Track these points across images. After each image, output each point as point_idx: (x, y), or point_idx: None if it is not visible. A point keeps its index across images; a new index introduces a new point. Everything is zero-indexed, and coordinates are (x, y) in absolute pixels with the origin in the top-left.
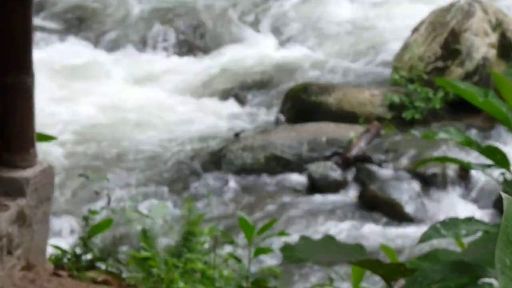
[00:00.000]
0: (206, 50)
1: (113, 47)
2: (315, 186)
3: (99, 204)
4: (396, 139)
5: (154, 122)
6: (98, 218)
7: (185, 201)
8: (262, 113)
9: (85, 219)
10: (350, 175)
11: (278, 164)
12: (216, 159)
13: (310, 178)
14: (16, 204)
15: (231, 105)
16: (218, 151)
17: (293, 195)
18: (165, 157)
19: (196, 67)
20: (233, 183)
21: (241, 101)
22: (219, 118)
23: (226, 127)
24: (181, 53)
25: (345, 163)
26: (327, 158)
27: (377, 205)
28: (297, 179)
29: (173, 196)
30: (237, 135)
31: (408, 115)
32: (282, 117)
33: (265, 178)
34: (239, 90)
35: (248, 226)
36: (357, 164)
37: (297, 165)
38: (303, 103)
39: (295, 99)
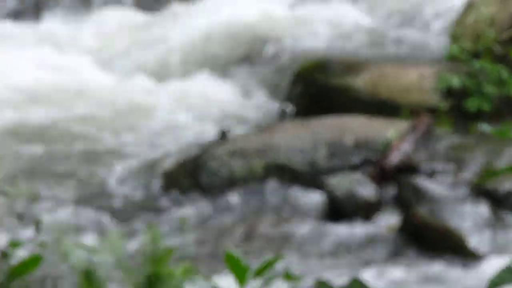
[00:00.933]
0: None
1: None
2: (337, 208)
3: (24, 233)
4: (455, 140)
5: (100, 113)
6: (22, 254)
7: (148, 229)
8: (260, 101)
9: (3, 254)
10: (388, 192)
11: (282, 176)
12: (192, 169)
13: (330, 197)
14: None
15: (215, 88)
16: (195, 158)
17: (305, 222)
18: (117, 164)
19: (161, 29)
20: (217, 204)
21: (229, 83)
22: (197, 107)
23: (207, 122)
24: (143, 3)
25: (381, 176)
26: (355, 168)
27: (427, 237)
28: (311, 198)
29: (129, 222)
30: (223, 134)
31: (472, 105)
32: (289, 108)
33: (264, 197)
34: (226, 65)
35: (239, 266)
36: (399, 177)
37: (311, 178)
38: (320, 88)
39: (309, 82)
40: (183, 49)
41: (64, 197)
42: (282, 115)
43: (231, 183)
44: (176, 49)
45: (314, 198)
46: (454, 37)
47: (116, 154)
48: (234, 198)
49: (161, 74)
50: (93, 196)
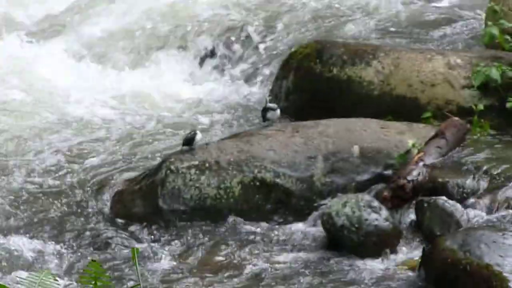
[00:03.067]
0: None
1: None
2: (339, 241)
3: None
4: (494, 149)
5: (34, 109)
6: None
7: (89, 266)
8: (238, 97)
9: None
10: (406, 219)
11: (267, 198)
12: (147, 189)
13: (330, 226)
14: None
15: (179, 79)
16: (151, 174)
17: (298, 259)
18: (51, 182)
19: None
20: (179, 235)
21: (198, 71)
22: (155, 104)
23: (168, 124)
24: None
25: (398, 198)
26: (362, 188)
27: (457, 278)
28: (305, 228)
29: (69, 256)
30: (188, 140)
31: None
32: (276, 107)
33: (243, 226)
34: (194, 46)
35: None
36: (420, 200)
37: (305, 201)
38: (316, 81)
39: (302, 73)
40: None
41: None
42: (267, 117)
43: (199, 208)
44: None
45: (309, 228)
46: (492, 16)
47: (49, 171)
48: (201, 228)
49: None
50: (29, 225)
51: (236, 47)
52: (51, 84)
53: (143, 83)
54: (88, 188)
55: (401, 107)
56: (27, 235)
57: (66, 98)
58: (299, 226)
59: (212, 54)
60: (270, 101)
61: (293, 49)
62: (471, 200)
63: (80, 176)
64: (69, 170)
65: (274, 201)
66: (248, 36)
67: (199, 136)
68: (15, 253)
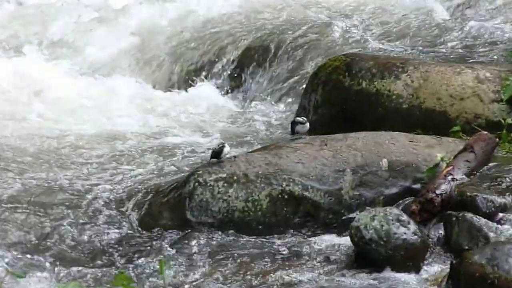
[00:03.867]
0: None
1: None
2: (367, 254)
3: None
4: None
5: (51, 126)
6: None
7: (117, 279)
8: (266, 112)
9: None
10: (434, 233)
11: (295, 211)
12: (175, 202)
13: (358, 239)
14: None
15: (205, 95)
16: (179, 187)
17: (326, 272)
18: (76, 198)
19: (139, 12)
20: (207, 247)
21: (224, 87)
22: (181, 120)
23: (195, 138)
24: None
25: (426, 211)
26: (391, 201)
27: None
28: (333, 241)
29: (92, 270)
30: (216, 153)
31: None
32: (304, 121)
33: (271, 239)
34: (221, 63)
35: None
36: (448, 214)
37: (333, 214)
38: (345, 94)
39: (331, 86)
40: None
41: (7, 240)
42: (295, 131)
43: (227, 221)
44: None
45: (337, 241)
46: None
47: (78, 183)
48: (229, 241)
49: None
50: (59, 238)
51: (263, 63)
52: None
53: (170, 98)
54: (115, 201)
55: (430, 121)
56: (58, 247)
57: (83, 111)
58: (327, 239)
59: (237, 69)
60: (299, 115)
61: (321, 63)
62: (500, 214)
63: (107, 188)
64: (97, 183)
65: (302, 214)
66: (275, 51)
67: (227, 148)
68: (47, 266)
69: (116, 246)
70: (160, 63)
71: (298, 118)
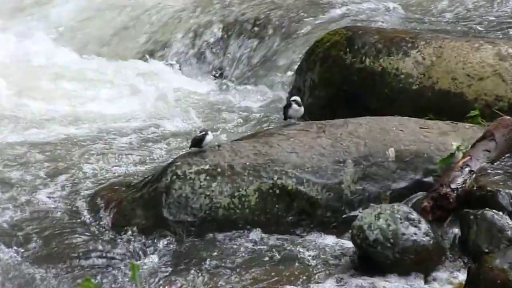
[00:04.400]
0: None
1: None
2: (371, 258)
3: None
4: None
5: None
6: None
7: (83, 285)
8: (254, 94)
9: None
10: (449, 234)
11: (288, 208)
12: (150, 198)
13: (361, 241)
14: None
15: (183, 75)
16: (154, 180)
17: (324, 278)
18: (35, 194)
19: None
20: (187, 250)
21: (204, 65)
22: (156, 102)
23: (173, 124)
24: None
25: (440, 209)
26: (399, 198)
27: None
28: (332, 242)
29: (55, 276)
30: (198, 141)
31: None
32: (297, 105)
33: (260, 241)
34: (199, 39)
35: None
36: (465, 212)
37: (332, 212)
38: (346, 73)
39: (330, 63)
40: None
41: None
42: (288, 115)
43: (210, 220)
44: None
45: (337, 243)
46: None
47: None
48: (212, 243)
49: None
50: (21, 240)
51: (250, 39)
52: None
53: (141, 78)
54: (82, 197)
55: (444, 104)
56: (19, 251)
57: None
58: (325, 240)
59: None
60: (293, 97)
61: (319, 37)
62: None
63: (74, 183)
64: (61, 176)
65: (296, 211)
66: (264, 24)
67: (210, 136)
68: (9, 271)
69: (83, 248)
70: (127, 37)
71: (292, 101)
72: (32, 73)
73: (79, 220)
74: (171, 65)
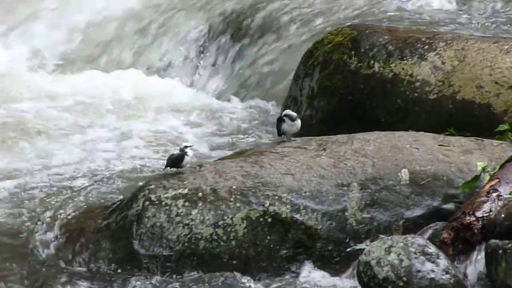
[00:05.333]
0: None
1: None
2: None
3: None
4: None
5: None
6: None
7: None
8: (243, 105)
9: None
10: (473, 271)
11: (282, 239)
12: (118, 227)
13: (368, 279)
14: None
15: (163, 84)
16: (123, 207)
17: None
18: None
19: None
20: None
21: (188, 73)
22: (128, 114)
23: (147, 140)
24: None
25: (463, 241)
26: (414, 227)
27: None
28: (334, 281)
29: None
30: (175, 160)
31: None
32: (295, 116)
33: (249, 280)
34: (185, 42)
35: None
36: (493, 245)
37: (334, 245)
38: (351, 80)
39: (331, 69)
40: None
41: None
42: (283, 129)
43: (188, 255)
44: None
45: (339, 282)
46: None
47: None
48: (191, 281)
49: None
50: None
51: (243, 39)
52: None
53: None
54: (37, 224)
55: (467, 117)
56: None
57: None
58: (325, 279)
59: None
60: (287, 108)
61: (318, 37)
62: None
63: (27, 207)
64: (13, 197)
65: (292, 244)
66: (258, 24)
67: (190, 154)
68: None
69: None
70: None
71: (287, 113)
72: None
73: (30, 252)
74: (151, 70)
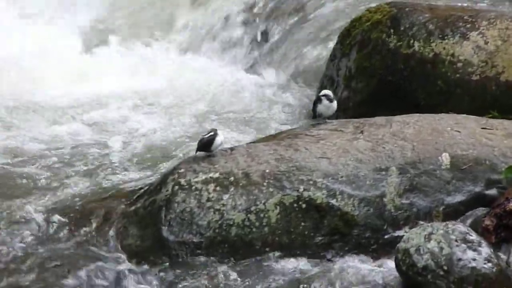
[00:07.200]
0: None
1: None
2: None
3: None
4: None
5: None
6: None
7: None
8: (275, 85)
9: None
10: None
11: (317, 226)
12: (146, 213)
13: (407, 267)
14: None
15: (189, 60)
16: (151, 191)
17: None
18: (20, 198)
19: None
20: (191, 279)
21: (216, 50)
22: (154, 93)
23: (175, 122)
24: None
25: (506, 228)
26: (454, 214)
27: None
28: (371, 269)
29: None
30: (206, 144)
31: None
32: (331, 98)
33: (283, 267)
34: (211, 18)
35: None
36: None
37: (372, 232)
38: (390, 60)
39: (370, 49)
40: None
41: None
42: (319, 110)
43: (221, 240)
44: None
45: (377, 269)
46: None
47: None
48: (223, 269)
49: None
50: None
51: (279, 16)
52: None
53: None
54: (65, 210)
55: (511, 99)
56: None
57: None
58: (362, 266)
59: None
60: (324, 89)
61: (356, 15)
62: None
63: (56, 193)
64: (43, 184)
65: (327, 231)
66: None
67: (220, 137)
68: None
69: (60, 275)
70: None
71: (325, 93)
72: None
73: (58, 239)
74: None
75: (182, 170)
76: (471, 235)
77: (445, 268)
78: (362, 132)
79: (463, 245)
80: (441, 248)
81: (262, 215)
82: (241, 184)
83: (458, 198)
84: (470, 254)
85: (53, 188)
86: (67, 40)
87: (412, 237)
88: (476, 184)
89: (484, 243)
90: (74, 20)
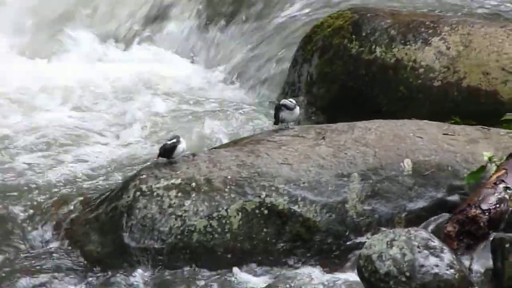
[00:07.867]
0: None
1: None
2: None
3: None
4: None
5: None
6: None
7: None
8: (238, 90)
9: None
10: (479, 266)
11: (279, 232)
12: (107, 219)
13: (369, 274)
14: None
15: (151, 61)
16: (113, 197)
17: None
18: None
19: None
20: (152, 285)
21: (178, 52)
22: (115, 98)
23: (136, 128)
24: None
25: (468, 235)
26: (417, 220)
27: None
28: (333, 276)
29: None
30: (167, 151)
31: None
32: (293, 104)
33: (244, 273)
34: (174, 18)
35: None
36: (499, 238)
37: (334, 238)
38: (351, 66)
39: (331, 55)
40: None
41: None
42: (281, 117)
43: (182, 246)
44: None
45: (338, 276)
46: None
47: None
48: (184, 275)
49: None
50: None
51: (240, 22)
52: None
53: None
54: (24, 213)
55: (473, 105)
56: None
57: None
58: (324, 273)
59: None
60: (286, 96)
61: (317, 21)
62: None
63: (15, 202)
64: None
65: (289, 237)
66: (249, 3)
67: (182, 145)
68: None
69: (23, 280)
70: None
71: (285, 101)
72: None
73: (16, 246)
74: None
75: (143, 176)
76: (434, 241)
77: (408, 274)
78: (324, 138)
79: (425, 251)
80: (404, 255)
81: (224, 221)
82: (203, 190)
83: (420, 204)
84: (432, 260)
85: (11, 197)
86: None
87: (374, 243)
88: (438, 190)
89: (446, 249)
90: None
